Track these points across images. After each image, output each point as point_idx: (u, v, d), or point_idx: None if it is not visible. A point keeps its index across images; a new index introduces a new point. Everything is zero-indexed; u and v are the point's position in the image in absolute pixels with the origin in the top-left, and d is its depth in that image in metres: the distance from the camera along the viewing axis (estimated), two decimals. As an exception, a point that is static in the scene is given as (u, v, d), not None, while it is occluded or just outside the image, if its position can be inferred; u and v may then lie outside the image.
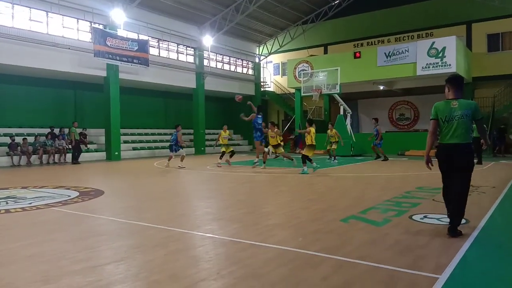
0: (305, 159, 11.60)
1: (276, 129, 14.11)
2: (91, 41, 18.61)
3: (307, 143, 11.75)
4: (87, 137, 20.10)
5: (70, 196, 7.98)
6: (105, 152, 20.05)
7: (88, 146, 19.95)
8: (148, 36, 21.69)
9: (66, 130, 19.28)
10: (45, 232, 5.09)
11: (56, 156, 17.84)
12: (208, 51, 25.35)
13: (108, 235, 4.95)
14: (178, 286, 3.21)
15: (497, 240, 4.61)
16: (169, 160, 15.05)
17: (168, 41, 23.33)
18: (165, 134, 25.44)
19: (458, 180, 4.59)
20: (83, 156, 19.06)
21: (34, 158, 17.22)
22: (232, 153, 15.34)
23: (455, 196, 4.61)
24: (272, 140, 14.17)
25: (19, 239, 4.72)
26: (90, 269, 3.61)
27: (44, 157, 17.45)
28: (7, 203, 7.24)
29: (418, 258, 3.83)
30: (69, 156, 18.12)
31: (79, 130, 18.67)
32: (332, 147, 16.75)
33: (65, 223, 5.64)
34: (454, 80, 4.85)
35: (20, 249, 4.29)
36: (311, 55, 26.63)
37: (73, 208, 6.72)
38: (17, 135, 17.49)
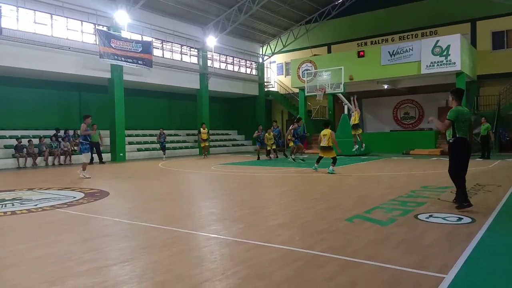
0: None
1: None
2: (95, 43, 18.71)
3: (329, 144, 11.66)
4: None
5: (75, 197, 8.02)
6: (110, 154, 20.14)
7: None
8: (152, 38, 21.75)
9: (71, 132, 19.37)
10: (51, 234, 5.12)
11: (62, 157, 17.94)
12: (212, 51, 25.39)
13: (114, 236, 4.97)
14: (183, 286, 3.22)
15: (504, 239, 4.58)
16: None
17: (172, 42, 23.39)
18: (169, 135, 25.50)
19: (467, 163, 6.19)
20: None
21: (39, 159, 17.33)
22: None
23: (465, 173, 6.15)
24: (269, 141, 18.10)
25: (26, 241, 4.76)
26: (96, 270, 3.63)
27: (50, 158, 17.56)
28: (13, 205, 7.29)
29: (423, 257, 3.81)
30: (74, 157, 18.26)
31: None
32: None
33: (71, 225, 5.67)
34: (460, 92, 6.26)
35: (27, 251, 4.32)
36: (315, 55, 26.57)
37: (79, 209, 6.76)
38: (23, 137, 17.59)
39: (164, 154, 20.65)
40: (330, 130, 11.75)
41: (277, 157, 19.17)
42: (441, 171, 11.48)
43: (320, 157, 12.11)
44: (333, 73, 20.95)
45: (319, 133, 12.21)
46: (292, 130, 16.92)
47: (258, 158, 18.40)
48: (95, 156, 18.74)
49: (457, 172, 6.08)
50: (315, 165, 12.20)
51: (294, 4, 25.65)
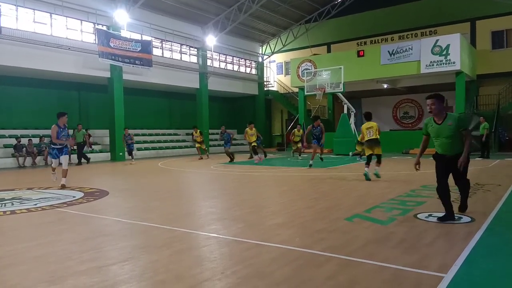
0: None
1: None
2: (95, 42, 18.69)
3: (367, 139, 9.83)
4: (91, 137, 20.13)
5: (75, 196, 8.02)
6: (109, 153, 20.13)
7: (93, 147, 20.00)
8: (151, 37, 21.74)
9: (71, 131, 19.32)
10: (51, 233, 5.12)
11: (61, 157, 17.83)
12: (211, 51, 25.38)
13: (113, 235, 4.97)
14: (182, 285, 3.22)
15: (503, 238, 4.58)
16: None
17: (171, 42, 23.37)
18: (169, 134, 25.53)
19: None
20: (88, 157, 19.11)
21: (39, 159, 17.32)
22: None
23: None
24: (252, 137, 16.37)
25: (25, 240, 4.75)
26: (95, 270, 3.63)
27: (49, 158, 17.50)
28: (12, 204, 7.29)
29: (423, 256, 3.81)
30: (74, 157, 18.12)
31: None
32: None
33: (71, 224, 5.67)
34: None
35: (27, 250, 4.32)
36: (314, 54, 26.57)
37: (78, 208, 6.75)
38: (23, 136, 17.58)
39: (132, 158, 17.89)
40: (375, 123, 9.86)
41: (265, 156, 17.84)
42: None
43: (370, 156, 9.89)
44: (332, 72, 20.95)
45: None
46: (308, 131, 14.99)
47: (232, 160, 16.70)
48: (74, 157, 18.22)
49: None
50: (366, 169, 9.86)
51: (293, 4, 25.64)
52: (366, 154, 10.00)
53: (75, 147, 17.33)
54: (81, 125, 18.11)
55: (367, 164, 9.93)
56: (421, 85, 24.03)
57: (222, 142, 18.54)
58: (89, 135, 18.83)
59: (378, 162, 9.82)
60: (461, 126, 5.19)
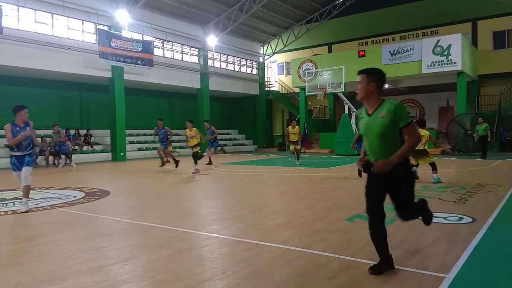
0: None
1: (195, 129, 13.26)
2: (96, 42, 18.70)
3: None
4: (92, 137, 20.16)
5: (76, 196, 8.03)
6: (110, 153, 20.14)
7: (94, 147, 20.03)
8: (153, 37, 21.75)
9: (72, 131, 19.36)
10: (52, 233, 5.12)
11: (62, 157, 17.86)
12: (213, 51, 25.38)
13: (114, 235, 4.97)
14: (183, 285, 3.22)
15: (505, 238, 4.57)
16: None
17: (173, 42, 23.38)
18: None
19: None
20: (89, 157, 19.14)
21: (40, 159, 17.33)
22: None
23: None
24: (193, 140, 13.18)
25: (26, 240, 4.76)
26: (96, 269, 3.63)
27: (50, 158, 17.54)
28: (14, 204, 7.31)
29: (424, 257, 3.81)
30: (74, 157, 18.10)
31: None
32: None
33: (72, 224, 5.67)
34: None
35: (27, 250, 4.32)
36: (315, 54, 26.57)
37: (79, 208, 6.76)
38: (24, 136, 17.54)
39: (65, 161, 16.22)
40: (427, 131, 9.39)
41: (210, 162, 14.86)
42: (441, 171, 11.46)
43: (417, 165, 9.40)
44: (333, 72, 20.95)
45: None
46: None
47: (162, 165, 13.85)
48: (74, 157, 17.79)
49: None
50: (434, 175, 9.31)
51: (294, 4, 25.64)
52: (415, 163, 9.33)
53: (45, 149, 16.75)
54: (57, 124, 16.82)
55: (433, 169, 9.38)
56: (422, 85, 24.00)
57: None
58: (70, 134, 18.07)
59: (434, 169, 9.35)
60: (399, 120, 3.26)
